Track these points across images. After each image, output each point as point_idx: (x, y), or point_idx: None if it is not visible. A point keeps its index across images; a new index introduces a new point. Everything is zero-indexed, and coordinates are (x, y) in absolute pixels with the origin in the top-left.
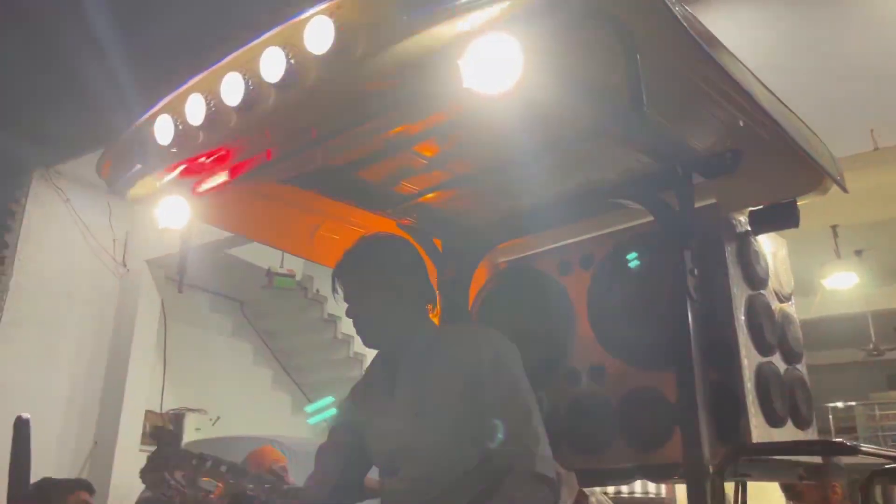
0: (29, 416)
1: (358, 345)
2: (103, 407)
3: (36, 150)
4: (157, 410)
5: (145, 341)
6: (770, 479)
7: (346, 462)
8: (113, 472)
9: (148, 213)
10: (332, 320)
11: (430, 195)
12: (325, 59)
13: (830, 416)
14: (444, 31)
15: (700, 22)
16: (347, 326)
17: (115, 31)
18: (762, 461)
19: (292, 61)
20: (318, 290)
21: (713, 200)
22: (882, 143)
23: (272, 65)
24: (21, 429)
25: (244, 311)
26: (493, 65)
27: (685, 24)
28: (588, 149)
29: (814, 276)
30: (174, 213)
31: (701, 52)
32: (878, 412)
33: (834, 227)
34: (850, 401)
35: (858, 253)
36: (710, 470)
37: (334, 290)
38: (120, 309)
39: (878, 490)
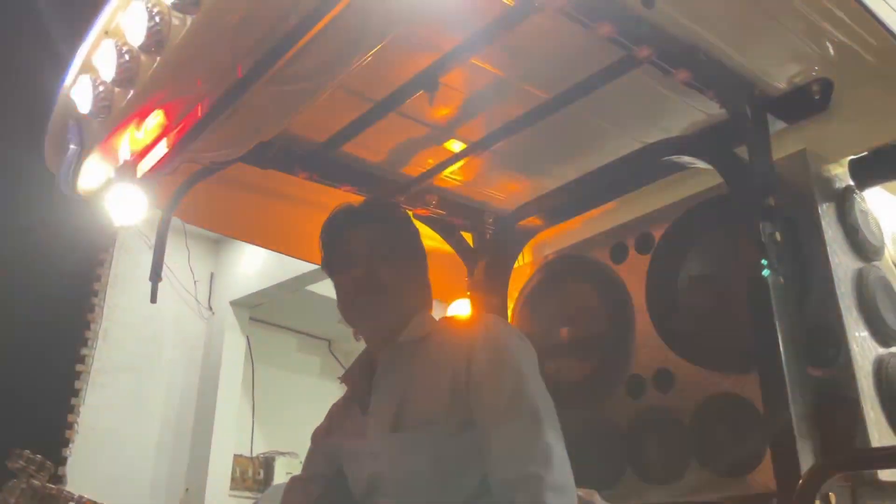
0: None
1: None
2: (193, 451)
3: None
4: (248, 454)
5: (233, 383)
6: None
7: (313, 496)
8: None
9: (231, 255)
10: None
11: (444, 173)
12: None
13: None
14: None
15: None
16: None
17: None
18: (888, 487)
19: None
20: None
21: (802, 148)
22: None
23: None
24: None
25: (332, 350)
26: None
27: None
28: (632, 98)
29: None
30: (128, 205)
31: None
32: None
33: None
34: None
35: None
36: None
37: (328, 248)
38: (207, 352)
39: None
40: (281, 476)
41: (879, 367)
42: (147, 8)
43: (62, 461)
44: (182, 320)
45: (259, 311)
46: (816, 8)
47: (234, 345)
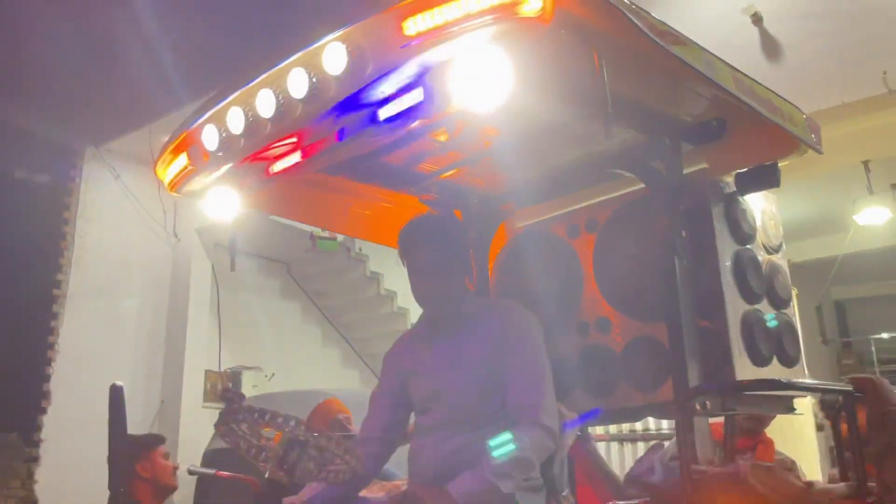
0: (122, 383)
1: (402, 300)
2: (166, 368)
3: (86, 130)
4: (216, 369)
5: (200, 305)
6: (755, 412)
7: (393, 404)
8: (180, 427)
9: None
10: (375, 277)
11: (447, 173)
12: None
13: (873, 348)
14: (439, 52)
15: (664, 24)
16: (390, 283)
17: (160, 16)
18: (746, 397)
19: (315, 79)
20: (360, 249)
21: (704, 166)
22: (894, 86)
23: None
24: (116, 395)
25: (291, 273)
26: (485, 80)
27: (646, 31)
28: (587, 128)
29: (846, 213)
30: (223, 205)
31: (666, 54)
32: None
33: (866, 163)
34: (894, 332)
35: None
36: (697, 407)
37: (404, 255)
38: (174, 276)
39: None
40: (248, 388)
41: (745, 318)
42: (309, 76)
43: (46, 378)
44: (150, 247)
45: (222, 235)
46: (706, 82)
47: (200, 270)
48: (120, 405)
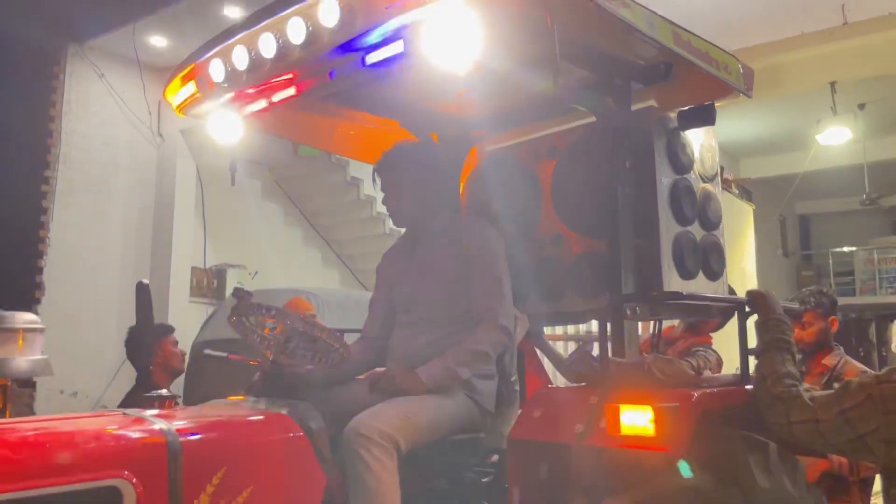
0: (148, 281)
1: (379, 205)
2: (154, 263)
3: (68, 28)
4: (202, 266)
5: (185, 204)
6: (676, 317)
7: (386, 308)
8: (168, 320)
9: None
10: (356, 183)
11: (426, 102)
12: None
13: (831, 261)
14: (417, 13)
15: None
16: (369, 188)
17: None
18: (670, 305)
19: (311, 28)
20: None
21: (651, 103)
22: (851, 19)
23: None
24: (142, 292)
25: (273, 176)
26: (455, 36)
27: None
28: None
29: (809, 133)
30: (228, 127)
31: (608, 17)
32: (876, 256)
33: (832, 84)
34: (852, 246)
35: (861, 107)
36: (628, 312)
37: (374, 181)
38: (160, 175)
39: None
40: (232, 285)
41: (676, 239)
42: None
43: (38, 271)
44: (135, 146)
45: (207, 137)
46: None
47: (185, 169)
48: (146, 302)
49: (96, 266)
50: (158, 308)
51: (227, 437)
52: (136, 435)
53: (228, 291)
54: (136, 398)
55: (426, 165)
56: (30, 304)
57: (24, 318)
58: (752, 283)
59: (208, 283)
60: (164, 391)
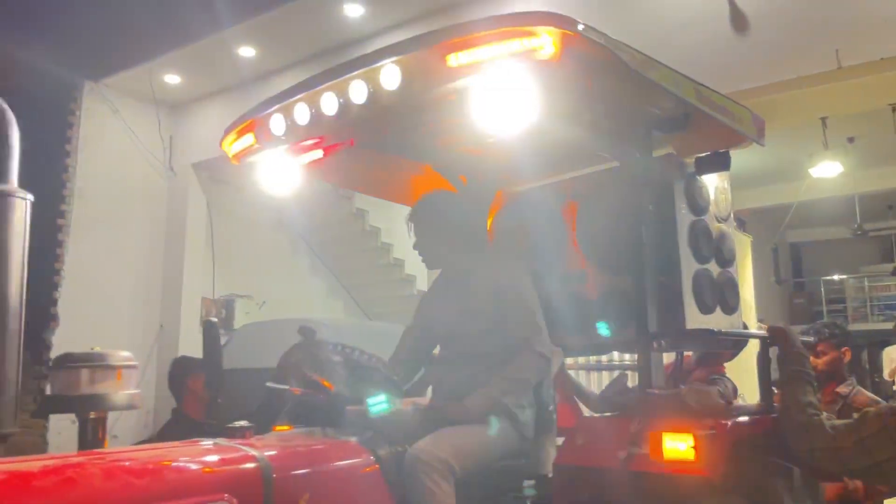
0: (216, 318)
1: (385, 235)
2: (165, 294)
3: (84, 66)
4: (211, 297)
5: (196, 236)
6: (695, 349)
7: (419, 336)
8: (178, 350)
9: (189, 120)
10: (361, 215)
11: (459, 148)
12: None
13: (822, 289)
14: (472, 79)
15: (642, 53)
16: (375, 220)
17: None
18: (697, 339)
19: (372, 90)
20: None
21: (670, 150)
22: (845, 63)
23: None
24: (210, 330)
25: (280, 207)
26: (503, 99)
27: (628, 63)
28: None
29: (802, 165)
30: (280, 177)
31: (642, 79)
32: (867, 284)
33: (823, 119)
34: (843, 274)
35: (851, 140)
36: (654, 346)
37: (408, 228)
38: (171, 208)
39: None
40: (240, 315)
41: (696, 276)
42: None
43: (53, 302)
44: (148, 180)
45: (217, 171)
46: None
47: (196, 203)
48: (215, 340)
49: (109, 297)
50: (169, 338)
51: (310, 463)
52: (234, 461)
53: (237, 321)
54: (176, 429)
55: (454, 213)
56: (44, 334)
57: (121, 356)
58: (752, 312)
59: (217, 312)
60: (244, 422)
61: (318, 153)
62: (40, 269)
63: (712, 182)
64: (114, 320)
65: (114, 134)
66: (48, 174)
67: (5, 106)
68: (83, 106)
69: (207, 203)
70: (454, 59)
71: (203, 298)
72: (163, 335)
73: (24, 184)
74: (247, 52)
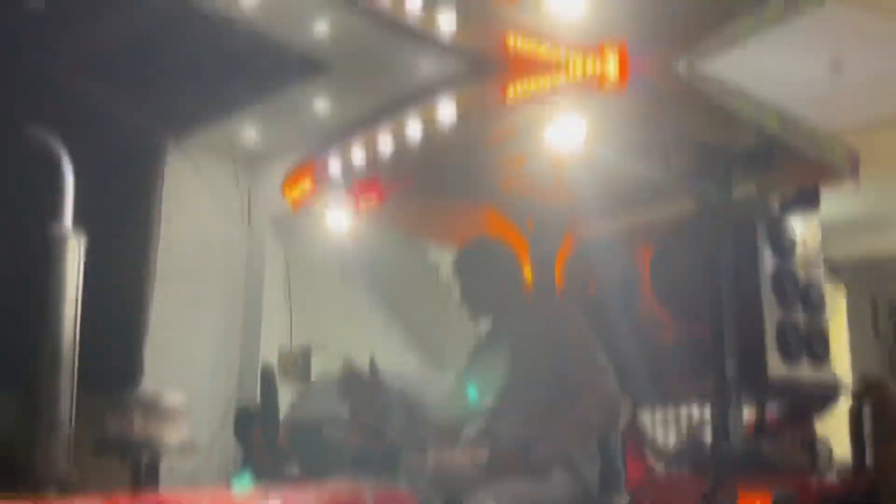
0: (275, 367)
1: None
2: (244, 347)
3: (167, 125)
4: (288, 348)
5: (274, 289)
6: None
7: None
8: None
9: (268, 174)
10: (435, 267)
11: (525, 190)
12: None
13: None
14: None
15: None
16: (447, 270)
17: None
18: (778, 391)
19: (426, 126)
20: None
21: (754, 190)
22: None
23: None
24: (268, 377)
25: (356, 262)
26: (567, 132)
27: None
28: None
29: None
30: (338, 223)
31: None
32: None
33: None
34: None
35: None
36: (732, 397)
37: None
38: (250, 262)
39: None
40: (316, 367)
41: (780, 325)
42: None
43: (139, 355)
44: (227, 235)
45: (294, 223)
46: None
47: (274, 255)
48: (272, 388)
49: (192, 353)
50: (247, 391)
51: None
52: None
53: (313, 373)
54: None
55: (494, 262)
56: (131, 384)
57: (175, 399)
58: (846, 366)
59: (293, 363)
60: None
61: (374, 196)
62: (126, 323)
63: (800, 221)
64: (195, 373)
65: (195, 190)
66: (132, 235)
67: (60, 149)
68: (167, 162)
69: (285, 255)
70: (513, 90)
71: (279, 352)
72: (241, 388)
73: (111, 242)
74: (321, 105)
